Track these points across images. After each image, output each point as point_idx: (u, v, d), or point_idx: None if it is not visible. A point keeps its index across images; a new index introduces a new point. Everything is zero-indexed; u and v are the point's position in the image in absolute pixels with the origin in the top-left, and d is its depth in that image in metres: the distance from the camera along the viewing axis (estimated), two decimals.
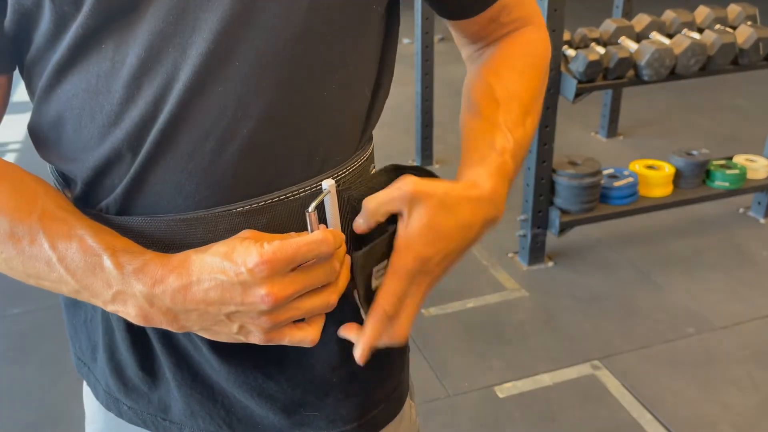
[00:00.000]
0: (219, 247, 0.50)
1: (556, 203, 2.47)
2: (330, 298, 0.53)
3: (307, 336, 0.52)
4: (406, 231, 0.55)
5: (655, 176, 2.58)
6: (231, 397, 0.63)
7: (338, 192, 0.58)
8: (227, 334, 0.52)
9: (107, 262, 0.50)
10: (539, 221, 2.47)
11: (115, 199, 0.56)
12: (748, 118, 3.95)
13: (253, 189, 0.55)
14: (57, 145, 0.56)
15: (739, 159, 2.75)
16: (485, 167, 0.59)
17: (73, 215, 0.53)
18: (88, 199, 0.58)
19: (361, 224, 0.56)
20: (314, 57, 0.54)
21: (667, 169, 2.60)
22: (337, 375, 0.63)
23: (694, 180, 2.64)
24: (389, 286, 0.55)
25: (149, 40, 0.50)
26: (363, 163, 0.63)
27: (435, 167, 3.37)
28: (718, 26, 2.47)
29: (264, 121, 0.53)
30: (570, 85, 2.27)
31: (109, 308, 0.52)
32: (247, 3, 0.50)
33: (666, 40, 2.38)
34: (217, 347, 0.59)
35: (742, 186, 2.67)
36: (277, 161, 0.55)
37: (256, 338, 0.52)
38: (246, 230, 0.53)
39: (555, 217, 2.44)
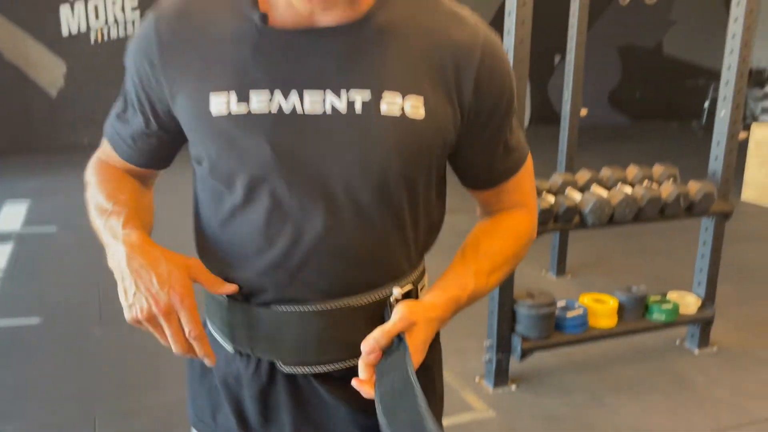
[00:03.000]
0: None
1: (517, 330, 2.77)
2: None
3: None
4: (412, 343, 0.82)
5: (602, 309, 2.92)
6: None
7: (404, 294, 0.88)
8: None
9: (116, 247, 0.85)
10: (503, 347, 2.76)
11: (249, 289, 0.88)
12: (676, 261, 4.43)
13: (336, 290, 0.86)
14: (215, 260, 0.90)
15: (673, 295, 3.14)
16: (448, 295, 0.88)
17: (122, 213, 0.89)
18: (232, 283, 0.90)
19: (376, 345, 0.80)
20: (391, 202, 0.85)
21: (612, 303, 2.96)
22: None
23: (635, 313, 3.00)
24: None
25: (274, 207, 0.83)
26: (420, 273, 0.93)
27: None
28: (646, 182, 2.95)
29: (352, 247, 0.84)
30: None
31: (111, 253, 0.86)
32: (349, 168, 0.82)
33: (604, 193, 2.83)
34: (334, 392, 0.86)
35: (676, 319, 3.04)
36: (364, 274, 0.86)
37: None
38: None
39: (517, 343, 2.73)
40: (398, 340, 0.80)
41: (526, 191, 0.99)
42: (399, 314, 0.82)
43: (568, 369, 2.98)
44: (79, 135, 8.41)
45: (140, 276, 0.81)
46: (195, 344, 0.81)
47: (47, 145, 8.17)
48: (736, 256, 4.19)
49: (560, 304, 2.90)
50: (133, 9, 8.39)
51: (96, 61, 8.35)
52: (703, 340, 3.21)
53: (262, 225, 0.84)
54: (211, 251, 0.90)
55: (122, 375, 2.87)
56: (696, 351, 3.19)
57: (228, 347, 0.92)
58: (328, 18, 0.82)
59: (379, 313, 0.87)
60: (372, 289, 0.88)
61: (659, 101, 11.14)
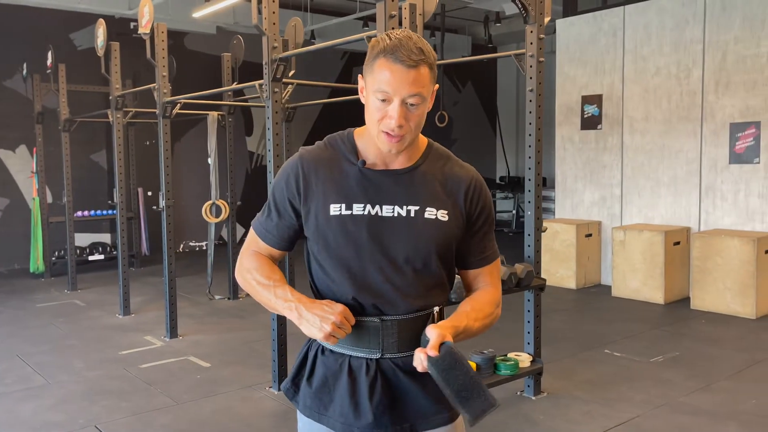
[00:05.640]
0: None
1: None
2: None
3: None
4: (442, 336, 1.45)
5: None
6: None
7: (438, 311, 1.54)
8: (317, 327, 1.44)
9: (293, 305, 1.47)
10: None
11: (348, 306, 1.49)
12: (506, 334, 5.39)
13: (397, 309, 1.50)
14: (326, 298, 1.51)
15: (512, 355, 4.01)
16: (452, 323, 1.50)
17: (284, 286, 1.51)
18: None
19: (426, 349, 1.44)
20: (431, 266, 1.51)
21: (471, 364, 3.72)
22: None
23: (488, 370, 3.80)
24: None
25: (365, 267, 1.48)
26: (445, 302, 1.58)
27: None
28: None
29: (410, 292, 1.49)
30: None
31: (286, 308, 1.49)
32: (399, 244, 1.49)
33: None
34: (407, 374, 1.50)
35: (517, 372, 3.89)
36: (415, 304, 1.50)
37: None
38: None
39: None
40: (442, 344, 1.40)
41: (495, 277, 1.63)
42: (434, 331, 1.42)
43: None
44: None
45: (319, 310, 1.42)
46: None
47: None
48: (544, 326, 5.25)
49: None
50: None
51: None
52: (537, 389, 4.09)
53: (358, 277, 1.47)
54: (323, 294, 1.51)
55: None
56: (533, 398, 4.04)
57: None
58: (396, 165, 1.52)
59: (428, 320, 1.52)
60: (423, 311, 1.52)
61: None
